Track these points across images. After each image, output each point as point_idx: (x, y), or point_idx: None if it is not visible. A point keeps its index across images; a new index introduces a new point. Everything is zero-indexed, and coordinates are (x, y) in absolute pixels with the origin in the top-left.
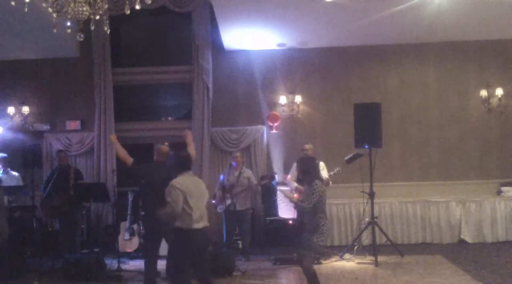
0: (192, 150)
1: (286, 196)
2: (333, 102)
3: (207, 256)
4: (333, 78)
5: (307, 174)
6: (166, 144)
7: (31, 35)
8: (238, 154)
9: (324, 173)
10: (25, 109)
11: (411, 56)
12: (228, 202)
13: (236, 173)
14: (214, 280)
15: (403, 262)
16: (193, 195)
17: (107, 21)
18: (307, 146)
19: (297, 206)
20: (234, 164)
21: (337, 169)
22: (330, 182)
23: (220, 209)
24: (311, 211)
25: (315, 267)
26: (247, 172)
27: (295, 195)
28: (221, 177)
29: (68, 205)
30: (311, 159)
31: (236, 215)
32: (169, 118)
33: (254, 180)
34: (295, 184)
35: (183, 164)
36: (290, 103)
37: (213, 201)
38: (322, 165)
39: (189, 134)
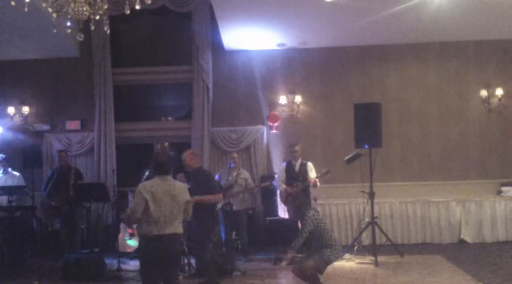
0: None
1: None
2: (333, 102)
3: (176, 267)
4: (333, 78)
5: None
6: (166, 144)
7: (31, 35)
8: (236, 155)
9: (312, 173)
10: (25, 109)
11: (411, 56)
12: (222, 201)
13: (234, 174)
14: None
15: (403, 262)
16: (159, 200)
17: (107, 21)
18: (296, 147)
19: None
20: (232, 164)
21: (324, 170)
22: (318, 183)
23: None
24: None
25: None
26: (245, 173)
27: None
28: (216, 177)
29: (68, 205)
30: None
31: (233, 216)
32: (169, 118)
33: (251, 182)
34: (284, 186)
35: (158, 168)
36: (290, 103)
37: None
38: (310, 165)
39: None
